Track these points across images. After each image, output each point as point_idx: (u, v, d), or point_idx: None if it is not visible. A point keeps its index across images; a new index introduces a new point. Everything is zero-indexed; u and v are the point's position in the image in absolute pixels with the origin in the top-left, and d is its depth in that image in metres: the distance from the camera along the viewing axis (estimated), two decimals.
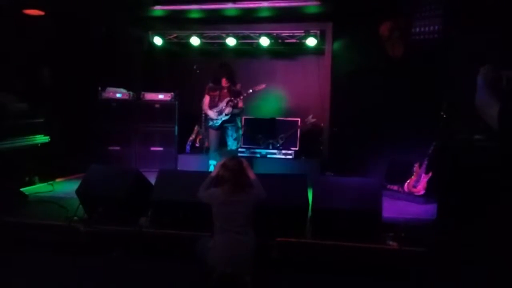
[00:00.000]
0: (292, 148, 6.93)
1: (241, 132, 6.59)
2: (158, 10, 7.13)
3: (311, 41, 7.15)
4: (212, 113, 6.07)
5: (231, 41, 7.42)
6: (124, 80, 7.42)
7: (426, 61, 5.99)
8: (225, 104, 6.01)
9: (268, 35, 7.25)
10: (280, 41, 7.48)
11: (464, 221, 3.96)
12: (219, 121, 6.06)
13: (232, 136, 6.17)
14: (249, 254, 3.40)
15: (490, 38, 4.91)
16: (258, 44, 7.43)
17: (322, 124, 7.15)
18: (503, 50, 4.78)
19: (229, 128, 6.14)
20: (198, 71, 7.17)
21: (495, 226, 3.35)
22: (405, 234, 3.98)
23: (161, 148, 7.29)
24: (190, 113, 7.37)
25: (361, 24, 6.47)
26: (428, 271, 3.58)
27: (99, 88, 7.25)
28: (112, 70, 7.32)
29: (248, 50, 7.79)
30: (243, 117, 6.97)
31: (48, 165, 6.34)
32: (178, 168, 7.04)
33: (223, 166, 3.59)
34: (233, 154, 5.86)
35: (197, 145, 7.40)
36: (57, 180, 6.49)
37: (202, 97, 6.26)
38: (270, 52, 7.81)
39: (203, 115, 6.79)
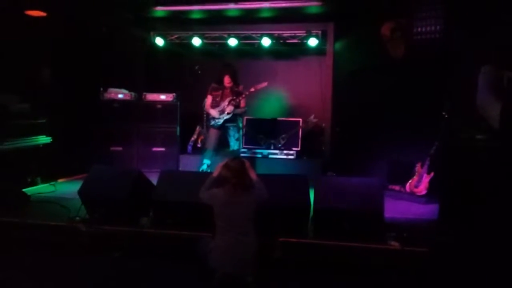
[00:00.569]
0: (294, 148, 6.92)
1: (241, 132, 6.59)
2: (160, 10, 7.15)
3: (312, 42, 7.15)
4: (214, 112, 6.08)
5: (232, 42, 7.43)
6: (126, 80, 7.43)
7: (428, 61, 5.99)
8: (227, 103, 6.03)
9: (270, 36, 7.26)
10: (281, 41, 7.47)
11: (466, 221, 3.96)
12: (221, 120, 6.07)
13: (234, 136, 6.19)
14: (251, 255, 3.39)
15: (492, 38, 4.91)
16: (260, 45, 7.42)
17: (323, 124, 7.15)
18: (505, 50, 4.77)
19: (231, 128, 6.15)
20: (199, 72, 7.18)
21: (496, 226, 3.35)
22: (407, 234, 3.97)
23: (163, 149, 7.28)
24: (192, 113, 7.36)
25: (362, 24, 6.48)
26: (430, 271, 3.57)
27: (101, 89, 7.26)
28: (114, 70, 7.34)
29: (250, 51, 7.79)
30: (245, 117, 6.97)
31: (50, 165, 6.35)
32: (180, 169, 7.04)
33: (225, 166, 3.54)
34: (236, 155, 5.87)
35: (199, 145, 7.38)
36: (59, 180, 6.50)
37: (205, 97, 6.27)
38: (271, 52, 7.81)
39: (205, 115, 6.79)
